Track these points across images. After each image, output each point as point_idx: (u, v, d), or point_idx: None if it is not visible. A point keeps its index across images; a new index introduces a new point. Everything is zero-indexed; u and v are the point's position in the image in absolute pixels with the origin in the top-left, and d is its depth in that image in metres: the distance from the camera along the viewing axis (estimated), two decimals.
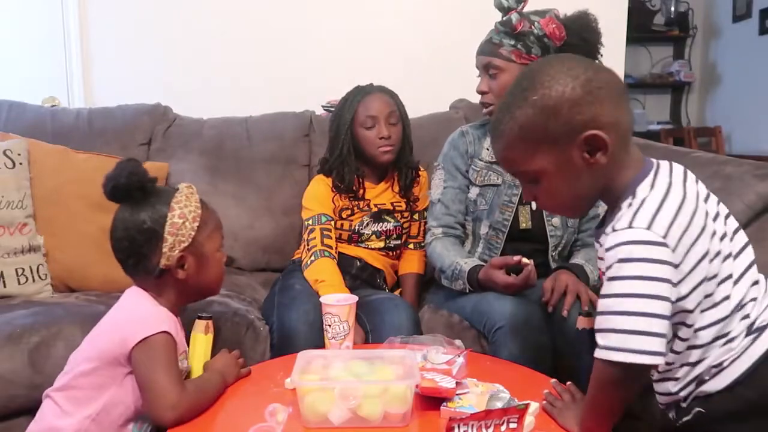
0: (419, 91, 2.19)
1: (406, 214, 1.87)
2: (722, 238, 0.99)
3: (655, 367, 0.96)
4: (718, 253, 0.98)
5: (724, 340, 0.98)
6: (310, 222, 1.77)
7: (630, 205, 0.97)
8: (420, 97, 2.15)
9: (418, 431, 1.05)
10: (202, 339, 1.28)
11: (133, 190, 1.17)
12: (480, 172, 1.68)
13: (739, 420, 0.97)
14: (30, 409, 1.30)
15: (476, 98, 1.70)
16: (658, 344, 0.91)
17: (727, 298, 0.98)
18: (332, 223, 1.78)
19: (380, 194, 1.84)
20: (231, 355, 1.27)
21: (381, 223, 1.83)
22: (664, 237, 0.92)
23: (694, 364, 0.99)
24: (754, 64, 4.02)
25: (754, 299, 1.00)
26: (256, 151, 2.19)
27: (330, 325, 1.34)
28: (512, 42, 1.58)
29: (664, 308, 0.92)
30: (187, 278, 1.21)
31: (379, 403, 1.04)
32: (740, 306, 0.99)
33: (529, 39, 1.57)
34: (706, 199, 1.01)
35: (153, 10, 2.49)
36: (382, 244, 1.84)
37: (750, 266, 1.02)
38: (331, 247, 1.73)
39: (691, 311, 0.96)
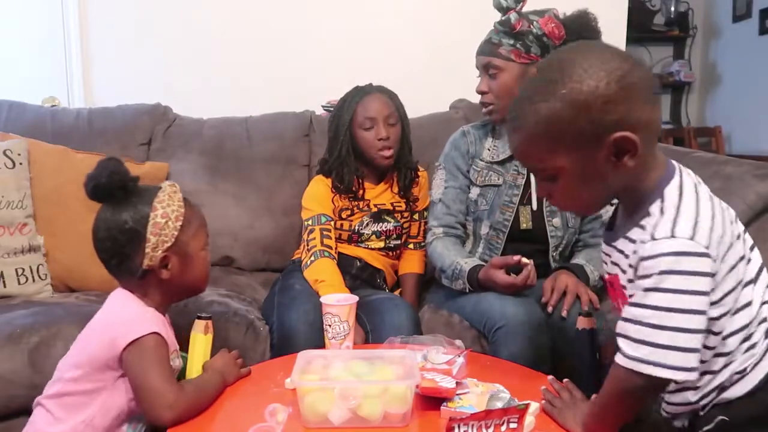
0: (419, 91, 2.19)
1: (405, 214, 1.87)
2: (743, 242, 0.98)
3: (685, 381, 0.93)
4: (742, 257, 0.96)
5: (747, 345, 0.96)
6: (310, 222, 1.77)
7: (662, 210, 0.92)
8: (420, 97, 2.15)
9: (418, 431, 1.05)
10: (201, 339, 1.27)
11: (114, 189, 1.15)
12: (481, 173, 1.68)
13: (760, 425, 0.95)
14: (30, 410, 1.29)
15: (476, 98, 1.70)
16: (694, 360, 0.89)
17: (749, 303, 0.96)
18: (332, 223, 1.78)
19: (380, 194, 1.84)
20: (230, 355, 1.27)
21: (381, 223, 1.83)
22: (707, 247, 0.88)
23: (718, 372, 0.97)
24: (754, 64, 4.01)
25: (766, 302, 0.98)
26: (256, 151, 2.19)
27: (330, 325, 1.34)
28: (511, 41, 1.58)
29: (702, 323, 0.89)
30: (171, 278, 1.20)
31: (379, 403, 1.04)
32: (759, 310, 0.96)
33: (528, 38, 1.57)
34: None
35: (153, 10, 2.49)
36: (382, 244, 1.84)
37: (762, 269, 0.99)
38: (330, 248, 1.73)
39: (718, 319, 0.93)
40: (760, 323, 0.96)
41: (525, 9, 1.60)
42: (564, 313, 1.47)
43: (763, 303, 0.97)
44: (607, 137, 0.90)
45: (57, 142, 2.03)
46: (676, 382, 0.91)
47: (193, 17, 2.50)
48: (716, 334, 0.94)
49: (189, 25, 2.50)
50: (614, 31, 2.46)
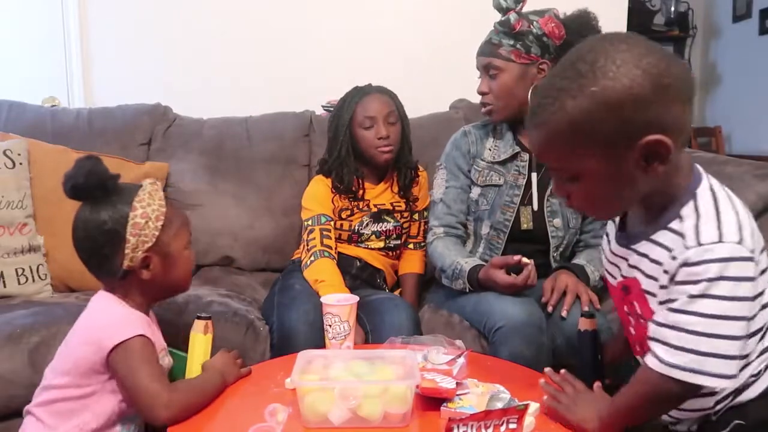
0: (419, 91, 2.19)
1: (405, 214, 1.87)
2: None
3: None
4: None
5: (762, 347, 0.94)
6: (310, 222, 1.77)
7: (697, 211, 0.89)
8: (420, 97, 2.15)
9: (418, 431, 1.05)
10: (201, 339, 1.27)
11: (92, 189, 1.14)
12: (482, 173, 1.68)
13: None
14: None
15: (476, 98, 1.70)
16: (736, 367, 0.87)
17: (766, 304, 0.93)
18: (332, 223, 1.78)
19: (380, 194, 1.84)
20: (230, 355, 1.27)
21: (381, 223, 1.83)
22: (752, 251, 0.86)
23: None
24: (754, 64, 4.01)
25: None
26: (256, 151, 2.19)
27: (330, 326, 1.34)
28: (511, 42, 1.58)
29: (746, 329, 0.87)
30: (153, 278, 1.18)
31: (379, 403, 1.04)
32: None
33: (527, 38, 1.57)
34: None
35: (153, 10, 2.49)
36: (381, 244, 1.84)
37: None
38: (330, 248, 1.73)
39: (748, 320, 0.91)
40: None
41: (525, 9, 1.60)
42: (564, 313, 1.47)
43: None
44: (638, 140, 0.84)
45: (57, 142, 2.03)
46: (710, 388, 0.88)
47: (193, 17, 2.50)
48: (746, 338, 0.91)
49: (189, 25, 2.50)
50: (614, 30, 2.45)
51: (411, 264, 1.91)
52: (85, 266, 1.20)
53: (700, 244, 0.86)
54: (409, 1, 2.55)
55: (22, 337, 1.48)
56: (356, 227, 1.81)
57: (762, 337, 0.94)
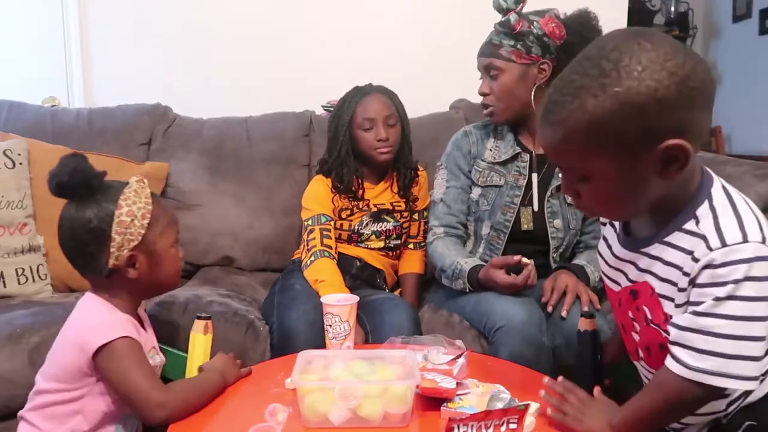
0: (419, 91, 2.19)
1: (405, 214, 1.87)
2: None
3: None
4: None
5: None
6: (310, 222, 1.77)
7: (713, 211, 0.87)
8: (420, 97, 2.15)
9: (418, 431, 1.05)
10: (201, 339, 1.27)
11: (77, 187, 1.12)
12: (482, 173, 1.68)
13: None
14: None
15: (476, 98, 1.70)
16: (759, 368, 0.86)
17: None
18: (332, 223, 1.78)
19: (380, 194, 1.84)
20: (229, 356, 1.26)
21: (380, 223, 1.83)
22: None
23: None
24: (754, 64, 4.01)
25: None
26: (256, 151, 2.19)
27: (331, 326, 1.34)
28: (512, 42, 1.58)
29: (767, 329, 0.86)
30: (139, 277, 1.16)
31: (379, 403, 1.04)
32: None
33: (528, 39, 1.57)
34: None
35: (153, 10, 2.49)
36: (381, 244, 1.84)
37: None
38: (330, 248, 1.73)
39: None
40: None
41: (525, 9, 1.60)
42: (564, 313, 1.47)
43: None
44: (659, 144, 0.82)
45: (57, 142, 2.03)
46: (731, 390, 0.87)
47: (193, 17, 2.50)
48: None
49: (189, 25, 2.50)
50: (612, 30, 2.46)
51: (411, 264, 1.91)
52: (72, 265, 1.19)
53: (725, 245, 0.84)
54: (409, 1, 2.55)
55: (22, 337, 1.48)
56: (356, 227, 1.81)
57: None
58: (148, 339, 1.20)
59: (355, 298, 1.37)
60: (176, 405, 1.07)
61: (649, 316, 0.98)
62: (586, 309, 1.43)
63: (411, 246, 1.92)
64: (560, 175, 0.99)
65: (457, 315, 1.62)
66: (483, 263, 1.58)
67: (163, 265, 1.20)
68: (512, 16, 1.56)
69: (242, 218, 2.12)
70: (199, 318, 1.29)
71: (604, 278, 1.12)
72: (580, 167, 0.89)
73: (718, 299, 0.84)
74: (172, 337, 1.51)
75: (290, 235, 2.12)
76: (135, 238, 1.14)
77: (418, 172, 1.89)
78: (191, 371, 1.24)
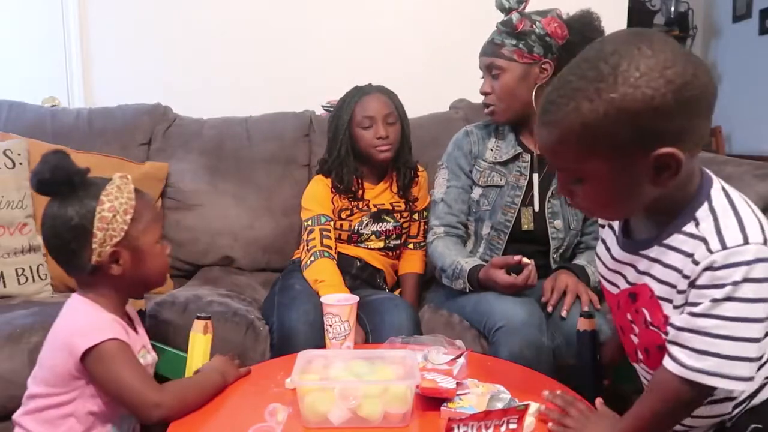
0: (419, 91, 2.19)
1: (405, 214, 1.87)
2: None
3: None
4: None
5: None
6: (310, 222, 1.77)
7: (713, 212, 0.87)
8: (420, 97, 2.15)
9: (418, 431, 1.05)
10: (201, 339, 1.27)
11: (58, 184, 1.11)
12: (483, 173, 1.68)
13: None
14: None
15: (476, 98, 1.70)
16: (753, 369, 0.86)
17: None
18: (331, 223, 1.78)
19: (379, 194, 1.84)
20: (227, 357, 1.26)
21: (380, 223, 1.83)
22: None
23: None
24: (754, 64, 4.01)
25: None
26: (256, 151, 2.19)
27: (331, 326, 1.34)
28: (514, 42, 1.58)
29: (765, 330, 0.85)
30: (123, 273, 1.14)
31: (379, 403, 1.04)
32: None
33: (530, 38, 1.57)
34: None
35: (153, 10, 2.49)
36: (381, 244, 1.84)
37: None
38: (330, 248, 1.73)
39: None
40: None
41: (527, 9, 1.60)
42: (564, 313, 1.47)
43: None
44: (651, 151, 0.82)
45: (57, 142, 2.03)
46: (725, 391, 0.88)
47: (193, 17, 2.50)
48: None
49: (189, 25, 2.50)
50: (614, 31, 2.45)
51: (411, 264, 1.91)
52: (56, 263, 1.18)
53: (725, 248, 0.84)
54: (409, 1, 2.55)
55: (22, 337, 1.48)
56: (356, 227, 1.81)
57: None
58: (137, 338, 1.19)
59: (355, 298, 1.37)
60: (172, 404, 1.07)
61: (649, 319, 0.97)
62: (585, 309, 1.43)
63: (411, 246, 1.92)
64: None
65: (457, 315, 1.62)
66: (483, 263, 1.58)
67: (147, 262, 1.18)
68: (514, 16, 1.56)
69: (242, 218, 2.12)
70: (199, 318, 1.29)
71: (602, 281, 1.11)
72: (575, 168, 0.89)
73: (715, 300, 0.85)
74: (172, 337, 1.51)
75: (290, 235, 2.12)
76: (117, 234, 1.12)
77: (418, 172, 1.89)
78: (191, 371, 1.24)
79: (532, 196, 1.65)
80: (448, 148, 1.75)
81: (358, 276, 1.82)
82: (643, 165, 0.84)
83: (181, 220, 2.11)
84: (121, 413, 1.14)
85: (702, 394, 0.89)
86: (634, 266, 0.99)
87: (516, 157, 1.66)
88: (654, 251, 0.94)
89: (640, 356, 1.05)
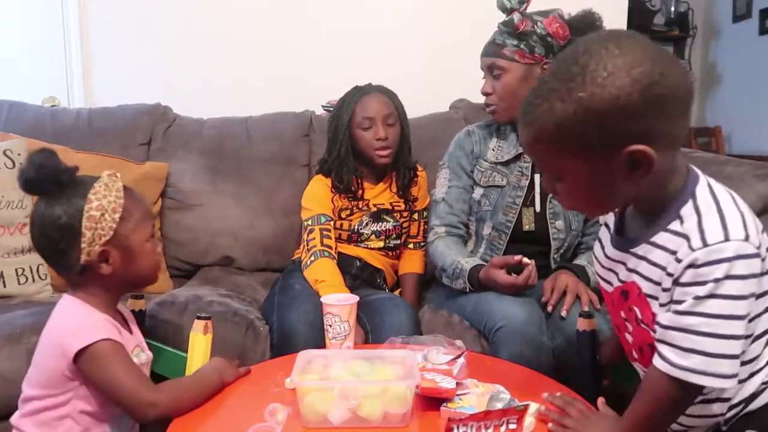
0: (419, 91, 2.19)
1: (405, 214, 1.87)
2: None
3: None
4: None
5: None
6: (310, 222, 1.77)
7: (697, 210, 0.88)
8: (420, 97, 2.15)
9: (418, 431, 1.05)
10: (201, 339, 1.27)
11: (45, 183, 1.09)
12: (485, 173, 1.68)
13: None
14: None
15: (476, 98, 1.70)
16: (737, 366, 0.86)
17: None
18: (331, 223, 1.78)
19: (379, 194, 1.84)
20: (227, 356, 1.26)
21: (380, 223, 1.83)
22: (758, 247, 0.84)
23: (747, 380, 0.93)
24: (754, 64, 4.01)
25: None
26: (256, 151, 2.19)
27: (331, 325, 1.34)
28: (515, 42, 1.57)
29: (746, 327, 0.86)
30: (113, 272, 1.13)
31: (379, 403, 1.04)
32: None
33: (531, 39, 1.57)
34: None
35: (153, 10, 2.49)
36: (381, 244, 1.84)
37: None
38: (330, 248, 1.73)
39: (751, 321, 0.89)
40: None
41: (529, 9, 1.60)
42: (564, 313, 1.47)
43: None
44: (621, 149, 0.83)
45: (57, 142, 2.03)
46: (711, 389, 0.87)
47: (193, 17, 2.50)
48: (747, 338, 0.89)
49: (189, 25, 2.50)
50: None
51: (411, 264, 1.91)
52: (46, 263, 1.17)
53: (706, 245, 0.84)
54: (409, 1, 2.55)
55: (22, 337, 1.48)
56: (356, 227, 1.81)
57: None
58: (131, 338, 1.19)
59: (355, 298, 1.37)
60: (167, 404, 1.06)
61: (639, 316, 0.98)
62: (585, 309, 1.43)
63: (411, 246, 1.92)
64: None
65: (457, 315, 1.62)
66: (483, 263, 1.58)
67: (138, 260, 1.16)
68: (516, 16, 1.56)
69: (242, 218, 2.12)
70: (199, 318, 1.29)
71: (599, 279, 1.12)
72: (552, 166, 0.92)
73: (698, 298, 0.85)
74: (172, 337, 1.51)
75: (290, 235, 2.12)
76: (106, 233, 1.11)
77: (418, 172, 1.89)
78: (191, 371, 1.24)
79: (534, 196, 1.65)
80: (450, 148, 1.75)
81: (358, 276, 1.82)
82: (615, 163, 0.85)
83: (181, 220, 2.12)
84: (118, 413, 1.14)
85: (691, 392, 0.89)
86: (624, 264, 1.00)
87: (517, 158, 1.66)
88: (642, 249, 0.95)
89: (636, 355, 1.05)
